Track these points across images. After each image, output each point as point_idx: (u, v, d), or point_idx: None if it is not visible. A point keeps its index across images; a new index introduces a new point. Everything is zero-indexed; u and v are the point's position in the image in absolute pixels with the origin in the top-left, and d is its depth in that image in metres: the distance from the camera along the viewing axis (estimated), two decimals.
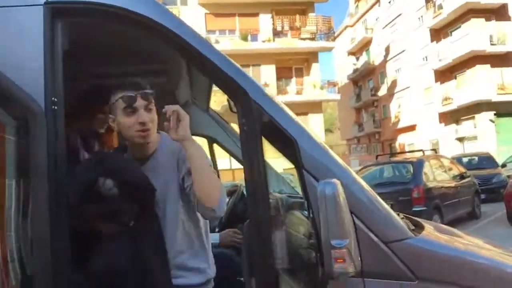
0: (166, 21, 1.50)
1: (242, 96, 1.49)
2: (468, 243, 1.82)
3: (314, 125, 25.46)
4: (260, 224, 1.46)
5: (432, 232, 1.79)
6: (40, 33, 1.38)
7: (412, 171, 8.15)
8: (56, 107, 1.36)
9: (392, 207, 6.11)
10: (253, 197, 1.48)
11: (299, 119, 1.62)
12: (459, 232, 2.10)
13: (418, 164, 8.29)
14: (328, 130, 60.67)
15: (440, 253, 1.55)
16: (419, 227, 1.77)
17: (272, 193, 2.22)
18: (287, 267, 1.56)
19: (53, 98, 1.36)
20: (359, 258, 1.34)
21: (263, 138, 1.51)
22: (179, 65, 2.27)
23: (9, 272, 1.28)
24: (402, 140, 32.36)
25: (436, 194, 8.09)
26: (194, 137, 1.75)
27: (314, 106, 25.43)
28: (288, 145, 1.50)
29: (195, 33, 1.53)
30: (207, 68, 1.53)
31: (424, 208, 7.65)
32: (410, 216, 2.03)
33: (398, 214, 1.95)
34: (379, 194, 6.65)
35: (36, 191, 1.26)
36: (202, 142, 3.21)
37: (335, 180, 1.33)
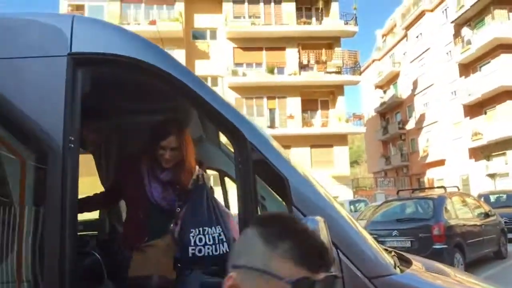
0: (173, 69, 1.68)
1: (238, 137, 1.65)
2: (454, 282, 1.87)
3: (339, 157, 25.34)
4: None
5: (419, 269, 1.85)
6: (63, 80, 1.58)
7: (433, 207, 8.02)
8: (72, 145, 1.55)
9: (412, 244, 6.12)
10: (243, 225, 1.61)
11: (291, 158, 1.75)
12: (456, 270, 2.14)
13: (440, 201, 8.14)
14: (355, 162, 60.20)
15: None
16: (407, 264, 1.84)
17: None
18: None
19: (70, 137, 1.55)
20: None
21: (256, 176, 1.65)
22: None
23: None
24: (431, 175, 31.68)
25: (458, 232, 7.89)
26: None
27: (339, 139, 25.38)
28: (280, 183, 1.63)
29: (197, 79, 1.71)
30: (207, 110, 1.70)
31: (445, 246, 7.47)
32: (400, 253, 2.10)
33: (388, 250, 2.03)
34: (400, 230, 6.79)
35: (49, 217, 1.43)
36: (214, 175, 3.37)
37: (318, 218, 1.44)
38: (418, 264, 1.92)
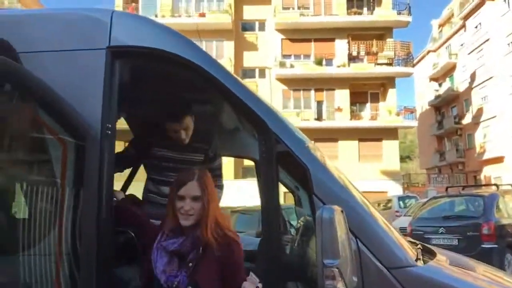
0: (197, 58, 1.77)
1: (261, 126, 1.71)
2: (477, 276, 1.84)
3: (388, 152, 24.69)
4: (271, 242, 1.65)
5: (442, 262, 1.84)
6: (102, 71, 1.71)
7: (483, 205, 7.67)
8: (109, 132, 1.68)
9: (459, 242, 5.94)
10: (266, 217, 1.68)
11: (315, 147, 1.79)
12: (484, 265, 2.10)
13: (491, 199, 7.76)
14: (407, 158, 58.21)
15: (443, 284, 1.61)
16: (430, 256, 1.83)
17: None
18: (295, 281, 1.72)
19: (108, 125, 1.68)
20: (355, 279, 1.47)
21: (279, 165, 1.71)
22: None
23: (61, 264, 1.60)
24: (488, 172, 30.10)
25: (510, 232, 7.51)
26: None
27: (389, 133, 24.69)
28: (301, 172, 1.68)
29: (222, 69, 1.78)
30: (230, 99, 1.77)
31: (495, 245, 7.14)
32: (425, 245, 2.08)
33: (414, 242, 2.03)
34: (447, 227, 6.61)
35: (88, 198, 1.58)
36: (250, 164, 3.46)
37: (335, 206, 1.48)
38: (442, 257, 1.90)
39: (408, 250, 1.72)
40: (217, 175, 2.57)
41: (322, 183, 1.67)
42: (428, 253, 1.91)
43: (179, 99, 2.49)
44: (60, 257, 1.59)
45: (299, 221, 2.72)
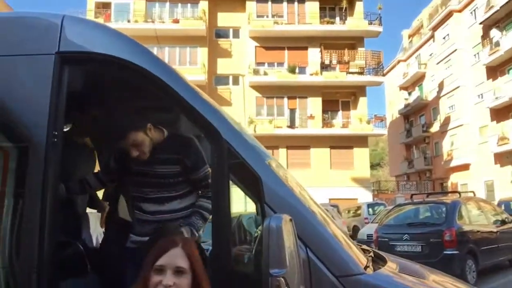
0: (149, 64, 1.74)
1: (214, 134, 1.70)
2: (429, 284, 1.87)
3: (359, 159, 25.09)
4: (222, 254, 1.64)
5: (392, 269, 1.86)
6: (50, 77, 1.67)
7: (446, 212, 7.87)
8: (56, 140, 1.63)
9: (422, 249, 6.07)
10: (216, 228, 1.66)
11: (266, 155, 1.79)
12: (437, 272, 2.14)
13: (453, 206, 7.97)
14: (378, 165, 59.21)
15: None
16: (381, 263, 1.85)
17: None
18: None
19: (54, 132, 1.63)
20: None
21: (230, 174, 1.70)
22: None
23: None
24: (455, 179, 30.98)
25: (471, 238, 7.72)
26: None
27: (360, 140, 25.12)
28: (253, 181, 1.68)
29: (175, 75, 1.76)
30: (183, 107, 1.75)
31: (456, 252, 7.33)
32: (377, 252, 2.11)
33: (365, 250, 2.05)
34: (411, 234, 6.75)
35: (29, 209, 1.52)
36: None
37: (283, 215, 1.48)
38: (392, 265, 1.93)
39: (358, 257, 1.73)
40: (203, 185, 2.32)
41: (274, 192, 1.67)
42: (380, 260, 1.93)
43: (128, 110, 2.40)
44: None
45: (257, 231, 2.71)
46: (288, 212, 1.53)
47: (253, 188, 1.72)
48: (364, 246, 2.17)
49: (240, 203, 3.13)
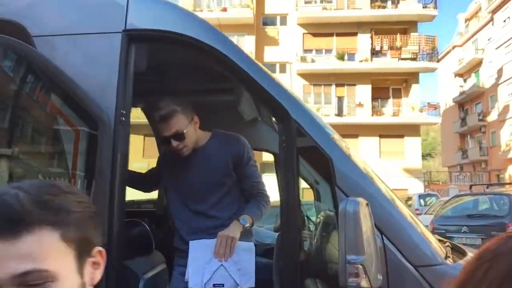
0: (225, 48, 1.69)
1: (283, 114, 1.63)
2: None
3: (410, 149, 24.24)
4: (289, 236, 1.57)
5: None
6: (117, 55, 1.65)
7: (509, 204, 7.40)
8: (124, 118, 1.62)
9: (482, 242, 5.77)
10: (285, 210, 1.60)
11: (339, 138, 1.70)
12: None
13: None
14: (428, 155, 57.07)
15: None
16: (460, 255, 1.72)
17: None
18: (313, 277, 1.64)
19: (122, 111, 1.62)
20: (380, 277, 1.37)
21: (299, 154, 1.62)
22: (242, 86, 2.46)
23: None
24: None
25: None
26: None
27: (412, 129, 24.22)
28: (324, 163, 1.59)
29: (242, 54, 1.70)
30: (251, 86, 1.69)
31: None
32: (454, 244, 1.96)
33: (442, 240, 1.91)
34: (470, 226, 6.44)
35: (99, 186, 1.52)
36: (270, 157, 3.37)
37: (359, 199, 1.39)
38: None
39: (437, 247, 1.61)
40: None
41: (346, 174, 1.58)
42: (458, 252, 1.79)
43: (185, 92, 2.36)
44: None
45: (319, 216, 2.63)
46: (361, 196, 1.43)
47: (324, 171, 1.63)
48: (439, 237, 2.03)
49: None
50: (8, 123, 1.64)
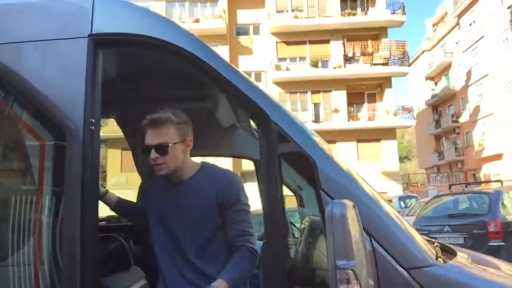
0: (195, 48, 1.61)
1: (263, 118, 1.55)
2: (504, 275, 1.68)
3: (387, 152, 24.58)
4: (275, 244, 1.49)
5: (464, 261, 1.68)
6: (84, 61, 1.55)
7: (488, 202, 7.51)
8: (93, 127, 1.52)
9: (465, 240, 5.79)
10: (269, 217, 1.52)
11: (321, 140, 1.64)
12: (505, 262, 1.94)
13: (496, 195, 7.59)
14: (405, 158, 58.00)
15: (468, 284, 1.45)
16: (450, 255, 1.67)
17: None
18: (301, 286, 1.56)
19: (91, 119, 1.52)
20: (371, 282, 1.31)
21: (281, 159, 1.55)
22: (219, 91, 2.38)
23: (40, 274, 1.43)
24: (488, 170, 30.01)
25: None
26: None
27: (388, 133, 24.58)
28: (307, 166, 1.52)
29: (219, 59, 1.62)
30: (228, 90, 1.62)
31: (502, 243, 6.97)
32: (444, 244, 1.92)
33: (431, 240, 1.87)
34: (452, 226, 6.46)
35: (68, 201, 1.41)
36: (250, 164, 3.30)
37: (345, 201, 1.32)
38: (463, 255, 1.74)
39: (427, 248, 1.56)
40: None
41: (330, 177, 1.51)
42: (448, 252, 1.75)
43: (165, 98, 2.27)
44: (40, 267, 1.43)
45: (303, 222, 2.56)
46: (346, 198, 1.37)
47: (307, 174, 1.57)
48: (427, 237, 1.99)
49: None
50: None
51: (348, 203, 1.31)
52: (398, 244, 1.48)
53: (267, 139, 1.55)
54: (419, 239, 1.63)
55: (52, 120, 1.46)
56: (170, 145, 1.69)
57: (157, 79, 2.27)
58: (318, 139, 1.61)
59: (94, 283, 1.42)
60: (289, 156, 1.57)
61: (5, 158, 1.63)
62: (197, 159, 1.95)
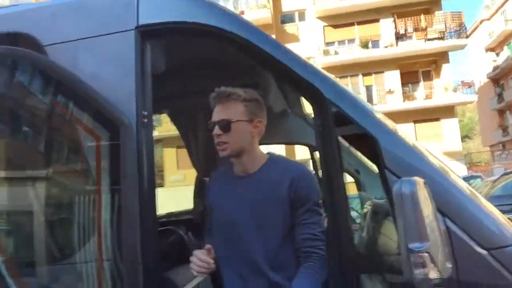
0: (235, 27, 1.55)
1: (316, 95, 1.48)
2: None
3: (448, 131, 23.40)
4: (338, 233, 1.42)
5: None
6: (132, 54, 1.55)
7: None
8: (146, 120, 1.51)
9: None
10: (331, 202, 1.44)
11: (380, 114, 1.53)
12: None
13: None
14: (466, 137, 54.88)
15: None
16: None
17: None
18: (367, 273, 1.47)
19: (143, 112, 1.51)
20: (449, 265, 1.20)
21: (340, 138, 1.47)
22: (269, 77, 2.32)
23: (103, 272, 1.45)
24: None
25: None
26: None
27: (447, 111, 23.36)
28: (368, 143, 1.43)
29: (266, 37, 1.56)
30: (283, 71, 1.55)
31: None
32: None
33: (510, 219, 1.71)
34: None
35: (126, 197, 1.41)
36: (304, 153, 3.22)
37: (415, 178, 1.22)
38: None
39: (509, 226, 1.42)
40: None
41: (395, 154, 1.41)
42: None
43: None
44: (101, 265, 1.44)
45: (365, 206, 2.45)
46: (414, 175, 1.26)
47: (368, 154, 1.47)
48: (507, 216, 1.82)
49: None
50: (28, 137, 1.57)
51: (419, 180, 1.21)
52: (476, 222, 1.36)
53: (322, 118, 1.47)
54: (499, 216, 1.48)
55: (106, 116, 1.47)
56: (234, 121, 1.55)
57: (206, 69, 2.25)
58: (379, 115, 1.50)
59: (156, 277, 1.42)
60: (348, 136, 1.48)
61: (64, 158, 1.67)
62: None
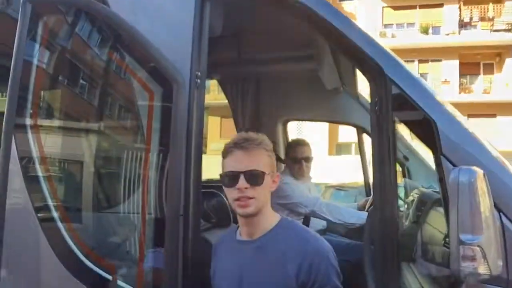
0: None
1: (376, 72, 1.41)
2: None
3: (504, 130, 22.17)
4: (385, 219, 1.37)
5: None
6: (191, 15, 1.53)
7: None
8: (199, 81, 1.51)
9: None
10: (379, 183, 1.39)
11: (442, 99, 1.45)
12: None
13: None
14: None
15: None
16: None
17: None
18: (407, 261, 1.43)
19: (197, 72, 1.51)
20: (500, 263, 1.13)
21: (396, 118, 1.40)
22: (327, 51, 2.26)
23: (147, 222, 1.49)
24: None
25: None
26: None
27: (505, 107, 22.06)
28: (426, 127, 1.36)
29: (331, 7, 1.50)
30: (342, 43, 1.49)
31: None
32: None
33: None
34: None
35: (175, 154, 1.42)
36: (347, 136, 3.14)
37: (474, 168, 1.15)
38: None
39: None
40: None
41: (454, 141, 1.33)
42: None
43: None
44: (147, 216, 1.48)
45: (411, 194, 2.36)
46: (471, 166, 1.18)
47: (426, 136, 1.39)
48: None
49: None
50: (84, 89, 1.61)
51: (478, 170, 1.14)
52: None
53: (379, 95, 1.40)
54: None
55: (161, 72, 1.47)
56: (267, 174, 1.34)
57: (261, 38, 2.21)
58: (440, 99, 1.42)
59: (195, 234, 1.44)
60: (405, 115, 1.41)
61: (117, 112, 1.71)
62: (294, 125, 1.85)
